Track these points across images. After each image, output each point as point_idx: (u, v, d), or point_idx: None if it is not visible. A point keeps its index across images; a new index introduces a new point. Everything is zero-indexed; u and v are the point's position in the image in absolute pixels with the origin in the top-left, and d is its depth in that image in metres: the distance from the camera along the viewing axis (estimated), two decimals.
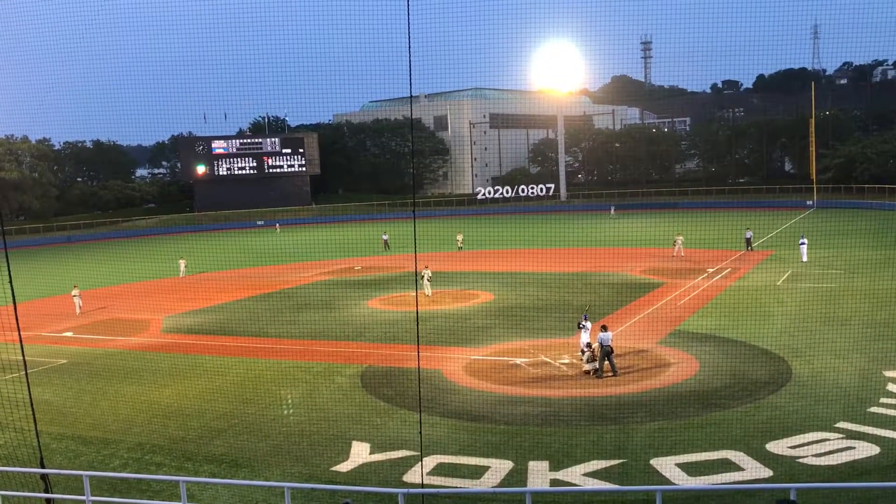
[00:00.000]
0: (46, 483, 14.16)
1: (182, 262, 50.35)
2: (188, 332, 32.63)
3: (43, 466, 14.58)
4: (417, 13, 11.88)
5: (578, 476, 15.54)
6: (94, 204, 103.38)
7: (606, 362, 22.43)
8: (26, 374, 15.20)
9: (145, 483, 16.00)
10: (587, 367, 22.80)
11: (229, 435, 19.01)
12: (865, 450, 16.08)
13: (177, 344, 30.22)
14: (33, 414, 14.64)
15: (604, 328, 22.65)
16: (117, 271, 49.28)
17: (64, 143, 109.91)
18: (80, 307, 37.85)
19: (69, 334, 33.15)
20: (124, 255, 61.29)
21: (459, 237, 59.48)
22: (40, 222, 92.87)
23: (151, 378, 24.90)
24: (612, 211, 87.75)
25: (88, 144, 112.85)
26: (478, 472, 16.01)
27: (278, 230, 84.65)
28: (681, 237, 48.45)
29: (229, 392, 22.72)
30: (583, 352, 23.30)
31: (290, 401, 21.73)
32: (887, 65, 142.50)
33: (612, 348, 22.37)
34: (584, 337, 23.33)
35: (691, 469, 15.58)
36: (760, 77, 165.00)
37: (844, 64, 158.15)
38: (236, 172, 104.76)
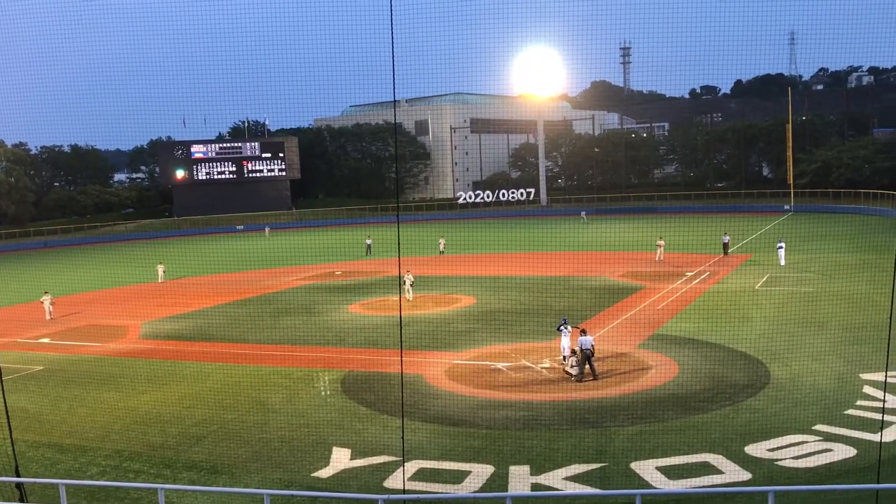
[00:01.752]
0: (22, 492, 13.97)
1: (160, 268, 49.92)
2: (167, 337, 32.33)
3: (18, 475, 14.39)
4: (398, 18, 11.88)
5: (559, 480, 15.57)
6: (72, 209, 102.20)
7: (587, 366, 22.54)
8: (1, 381, 14.98)
9: (123, 491, 15.82)
10: (571, 370, 22.90)
11: (209, 441, 18.86)
12: (842, 452, 16.27)
13: (155, 350, 29.94)
14: (8, 422, 14.47)
15: (583, 332, 22.76)
16: (95, 277, 48.74)
17: (41, 148, 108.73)
18: (50, 313, 37.36)
19: (45, 340, 32.73)
20: (102, 260, 60.71)
21: (441, 241, 59.50)
22: (16, 228, 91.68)
23: (130, 384, 24.64)
24: (584, 215, 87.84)
25: (66, 149, 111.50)
26: (459, 476, 16.00)
27: (267, 234, 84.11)
28: (663, 241, 48.67)
29: (209, 398, 22.52)
30: (565, 357, 23.41)
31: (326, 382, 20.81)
32: (862, 71, 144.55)
33: (592, 352, 22.47)
34: (565, 341, 23.44)
35: (671, 472, 15.67)
36: (738, 82, 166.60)
37: (820, 70, 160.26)
38: (216, 177, 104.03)
